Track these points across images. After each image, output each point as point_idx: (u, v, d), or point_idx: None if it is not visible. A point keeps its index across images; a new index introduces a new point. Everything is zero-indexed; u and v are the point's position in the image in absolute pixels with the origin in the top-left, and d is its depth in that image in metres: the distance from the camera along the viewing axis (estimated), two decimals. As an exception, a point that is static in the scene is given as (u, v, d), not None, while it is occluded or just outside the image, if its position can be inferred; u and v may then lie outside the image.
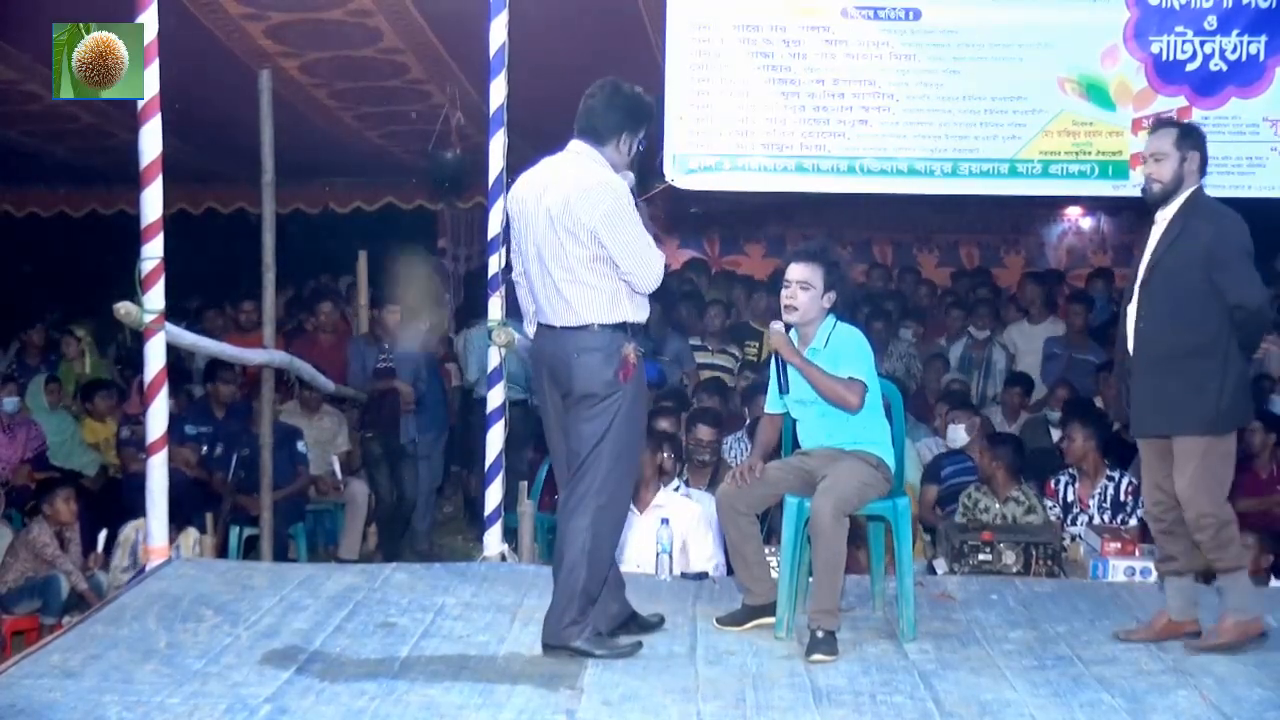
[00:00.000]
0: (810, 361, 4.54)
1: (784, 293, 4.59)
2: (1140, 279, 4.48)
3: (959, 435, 7.08)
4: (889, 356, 8.98)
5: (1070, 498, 6.42)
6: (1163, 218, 4.46)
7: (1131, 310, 4.49)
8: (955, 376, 8.77)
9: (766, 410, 4.83)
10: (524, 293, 4.47)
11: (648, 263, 4.20)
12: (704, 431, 6.48)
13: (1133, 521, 6.18)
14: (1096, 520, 6.24)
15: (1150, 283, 4.43)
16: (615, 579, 4.48)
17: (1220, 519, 4.34)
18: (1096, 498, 6.33)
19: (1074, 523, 6.31)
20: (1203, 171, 4.49)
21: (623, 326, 4.24)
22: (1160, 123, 4.62)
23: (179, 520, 5.57)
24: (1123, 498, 6.28)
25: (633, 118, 4.30)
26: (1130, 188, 5.99)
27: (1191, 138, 4.48)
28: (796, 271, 4.57)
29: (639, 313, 4.30)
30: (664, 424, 6.52)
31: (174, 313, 5.50)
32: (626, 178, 4.31)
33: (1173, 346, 4.36)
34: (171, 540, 5.42)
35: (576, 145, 4.31)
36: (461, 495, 9.30)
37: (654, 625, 4.56)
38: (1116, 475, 6.36)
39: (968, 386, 8.60)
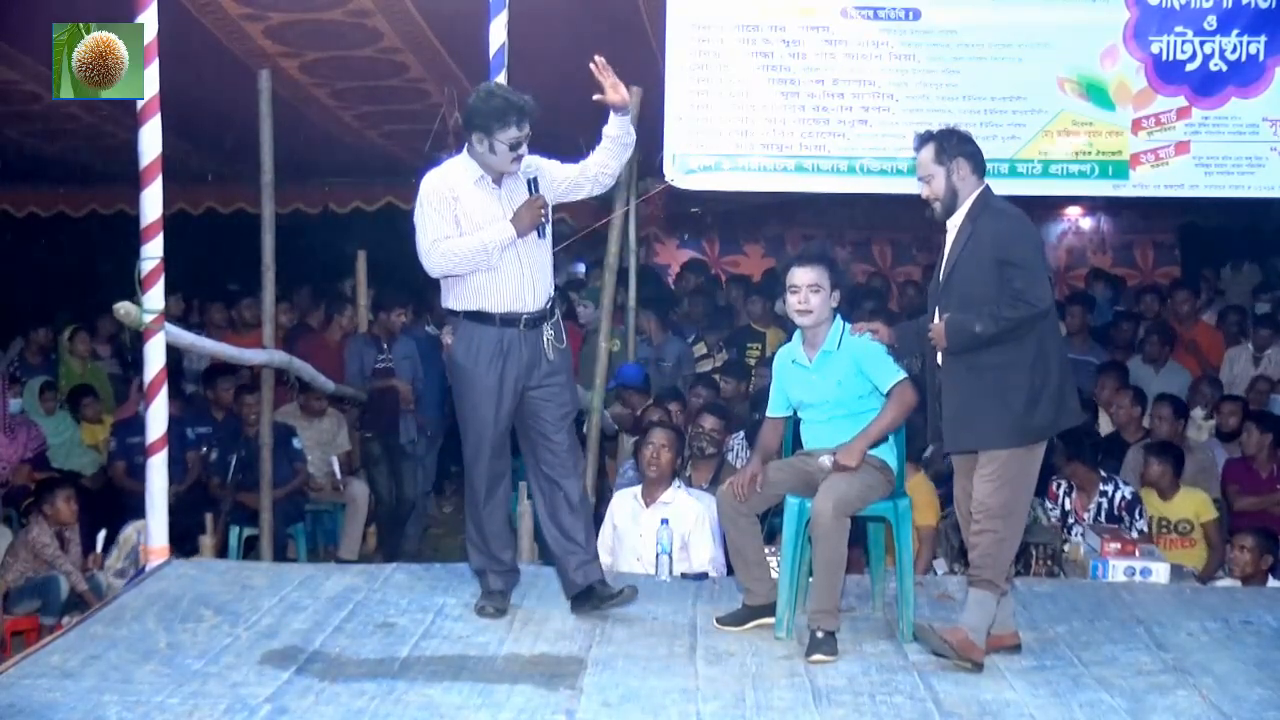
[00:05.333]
0: (867, 433, 4.46)
1: (793, 299, 4.58)
2: (939, 290, 4.37)
3: None
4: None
5: (1068, 506, 6.41)
6: (952, 225, 4.37)
7: (933, 320, 4.35)
8: None
9: (770, 414, 4.83)
10: None
11: (419, 252, 4.59)
12: (709, 421, 6.47)
13: (1134, 535, 6.15)
14: (1093, 532, 6.23)
15: (947, 291, 4.32)
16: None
17: (1001, 534, 4.23)
18: (1091, 513, 6.32)
19: (1069, 532, 6.29)
20: (979, 171, 4.37)
21: (453, 313, 4.66)
22: (919, 139, 4.44)
23: (178, 535, 5.54)
24: (1117, 512, 6.25)
25: (473, 122, 4.49)
26: (1130, 188, 6.00)
27: (950, 146, 4.36)
28: (805, 276, 4.57)
29: (472, 299, 4.58)
30: (660, 420, 6.56)
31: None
32: (527, 173, 4.59)
33: (977, 356, 4.22)
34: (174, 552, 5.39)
35: None
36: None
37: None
38: (1110, 489, 6.34)
39: None
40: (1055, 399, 4.27)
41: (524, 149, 4.50)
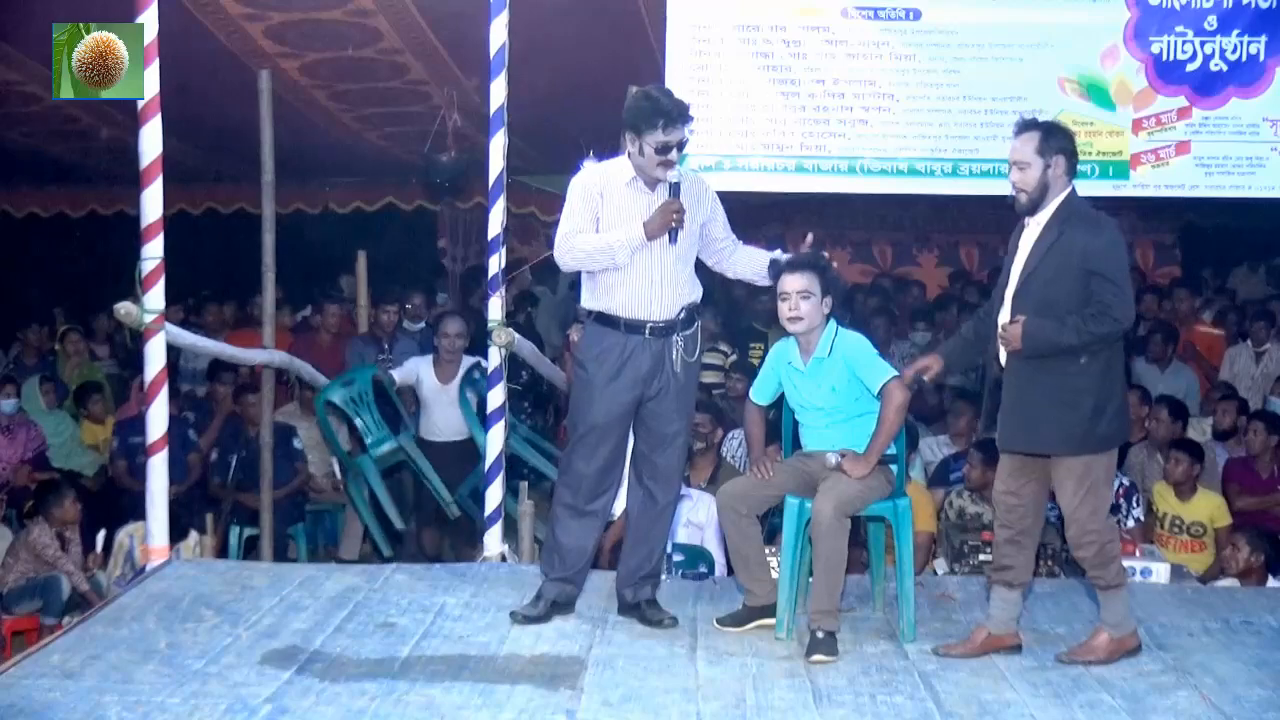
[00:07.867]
0: (873, 448, 4.46)
1: (784, 305, 4.56)
2: (1014, 287, 4.30)
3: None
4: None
5: None
6: (1035, 223, 4.28)
7: (1004, 318, 4.31)
8: None
9: (753, 399, 4.81)
10: None
11: (553, 244, 4.59)
12: (697, 417, 6.48)
13: (1130, 524, 6.15)
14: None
15: (1025, 292, 4.25)
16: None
17: (1103, 538, 4.25)
18: None
19: None
20: (1072, 173, 4.29)
21: (586, 312, 4.63)
22: (1023, 125, 4.30)
23: (177, 531, 5.55)
24: (1116, 500, 6.26)
25: (626, 122, 4.48)
26: (1130, 188, 6.01)
27: (1055, 140, 4.23)
28: (794, 282, 4.55)
29: (600, 301, 4.57)
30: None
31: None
32: (678, 175, 4.53)
33: (1046, 359, 4.18)
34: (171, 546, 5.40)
35: None
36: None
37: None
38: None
39: None
40: (1119, 411, 4.27)
41: (673, 154, 4.46)
